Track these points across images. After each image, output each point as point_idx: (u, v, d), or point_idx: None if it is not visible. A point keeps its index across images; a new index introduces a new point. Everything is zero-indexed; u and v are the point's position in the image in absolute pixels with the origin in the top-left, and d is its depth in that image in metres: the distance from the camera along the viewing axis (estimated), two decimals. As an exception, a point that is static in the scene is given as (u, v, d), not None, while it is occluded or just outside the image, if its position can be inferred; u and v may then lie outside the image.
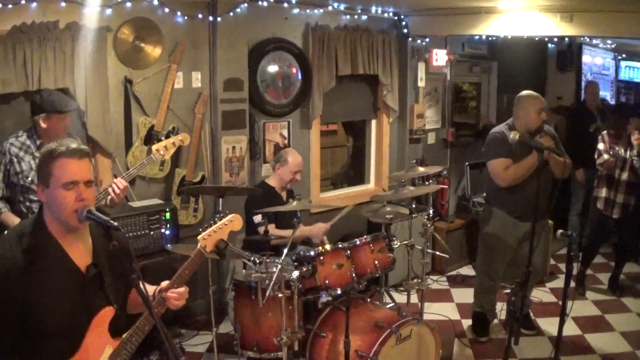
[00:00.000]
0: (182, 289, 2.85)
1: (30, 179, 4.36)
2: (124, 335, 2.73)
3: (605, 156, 6.39)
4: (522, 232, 5.43)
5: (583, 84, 9.97)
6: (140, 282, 2.52)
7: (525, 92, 5.46)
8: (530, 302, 6.15)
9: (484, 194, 7.68)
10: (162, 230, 5.43)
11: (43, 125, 4.35)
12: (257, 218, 5.32)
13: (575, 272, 4.15)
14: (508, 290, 5.99)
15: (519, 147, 5.15)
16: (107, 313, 2.72)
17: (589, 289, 7.10)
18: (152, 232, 5.37)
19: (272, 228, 5.34)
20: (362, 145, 8.24)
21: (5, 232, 3.22)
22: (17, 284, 2.45)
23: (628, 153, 6.31)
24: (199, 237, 2.98)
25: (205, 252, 2.96)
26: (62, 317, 2.56)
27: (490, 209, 5.69)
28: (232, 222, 3.12)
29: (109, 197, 4.30)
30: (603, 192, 6.64)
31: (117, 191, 4.28)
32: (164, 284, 2.86)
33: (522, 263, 5.42)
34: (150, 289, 2.86)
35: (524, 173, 5.27)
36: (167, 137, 5.03)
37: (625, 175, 6.43)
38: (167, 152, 4.62)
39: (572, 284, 3.98)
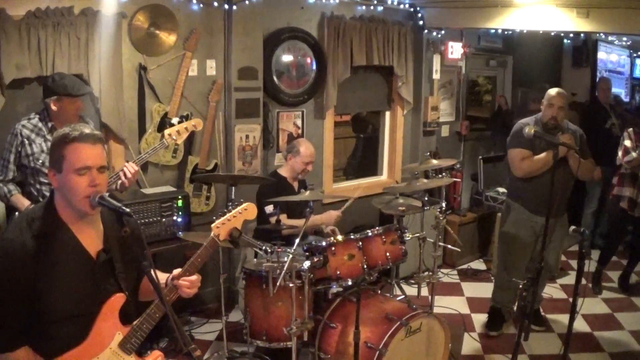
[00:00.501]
0: (194, 277, 2.84)
1: (41, 161, 4.35)
2: (134, 322, 2.73)
3: (634, 154, 6.23)
4: (539, 226, 5.39)
5: (598, 80, 9.93)
6: (152, 269, 2.51)
7: (551, 89, 5.46)
8: (541, 298, 6.12)
9: (497, 189, 7.71)
10: (174, 218, 5.43)
11: (54, 107, 4.34)
12: (269, 208, 5.32)
13: (586, 269, 4.09)
14: (520, 287, 5.97)
15: (542, 142, 5.14)
16: (118, 299, 2.72)
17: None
18: (163, 219, 5.37)
19: (283, 218, 5.34)
20: (372, 138, 8.21)
21: (16, 215, 3.22)
22: (27, 269, 2.45)
23: None
24: (213, 225, 2.96)
25: (219, 241, 2.95)
26: (72, 302, 2.56)
27: (510, 203, 5.69)
28: (247, 210, 3.09)
29: (119, 182, 4.31)
30: (627, 192, 6.51)
31: (129, 175, 4.28)
32: (176, 271, 2.85)
33: (537, 258, 5.42)
34: (162, 276, 2.86)
35: (539, 167, 5.26)
36: (180, 122, 4.98)
37: None
38: (179, 137, 4.60)
39: (584, 281, 3.95)
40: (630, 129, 6.41)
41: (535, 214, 5.40)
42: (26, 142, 4.39)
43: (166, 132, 4.60)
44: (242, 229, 3.08)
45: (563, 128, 5.39)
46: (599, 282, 6.99)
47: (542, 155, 5.23)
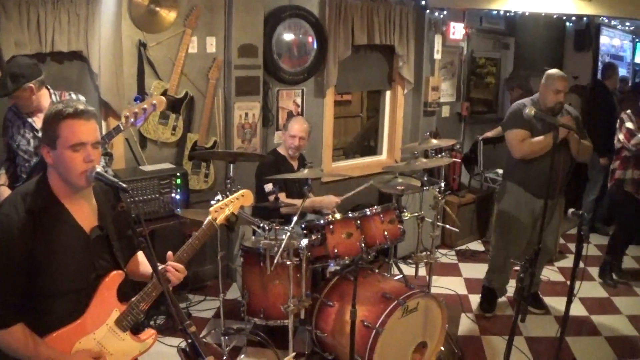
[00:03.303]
0: (181, 267, 2.84)
1: (17, 144, 4.33)
2: (132, 299, 2.73)
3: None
4: (537, 208, 5.39)
5: (600, 64, 9.88)
6: (148, 247, 2.50)
7: (552, 70, 5.36)
8: (540, 281, 6.12)
9: (496, 170, 7.69)
10: (173, 195, 5.42)
11: (11, 102, 4.29)
12: (269, 186, 5.31)
13: (590, 256, 4.09)
14: (517, 268, 5.98)
15: (541, 124, 5.13)
16: (117, 277, 2.72)
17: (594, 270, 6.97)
18: (162, 197, 5.36)
19: (282, 196, 5.34)
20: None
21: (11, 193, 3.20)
22: (22, 243, 2.45)
23: None
24: (211, 209, 2.98)
25: (216, 225, 2.96)
26: (67, 277, 2.56)
27: (506, 184, 5.66)
28: (243, 197, 3.13)
29: None
30: (631, 174, 6.31)
31: None
32: (170, 254, 2.85)
33: (535, 241, 5.43)
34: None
35: (539, 150, 5.24)
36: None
37: None
38: (136, 117, 4.26)
39: (582, 264, 3.95)
40: (629, 110, 6.26)
41: (535, 196, 5.39)
42: (9, 124, 4.37)
43: (123, 112, 4.32)
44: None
45: (561, 111, 5.37)
46: (611, 272, 6.78)
47: (542, 137, 5.20)
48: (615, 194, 6.56)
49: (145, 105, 4.25)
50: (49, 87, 4.36)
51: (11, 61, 4.33)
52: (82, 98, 4.43)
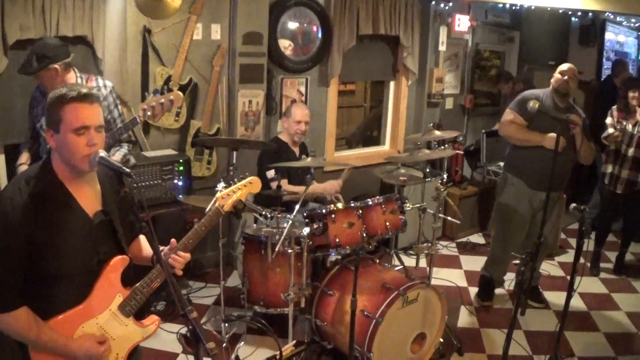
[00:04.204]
0: (187, 255, 2.85)
1: (40, 124, 4.34)
2: (136, 285, 2.73)
3: (610, 130, 6.32)
4: (537, 201, 5.42)
5: (604, 60, 9.86)
6: (150, 233, 2.50)
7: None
8: (540, 275, 6.13)
9: (499, 163, 7.69)
10: (175, 181, 5.43)
11: (36, 82, 4.31)
12: (271, 173, 5.31)
13: (585, 248, 4.09)
14: (517, 261, 5.99)
15: (542, 120, 5.14)
16: (122, 261, 2.72)
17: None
18: (164, 183, 5.37)
19: (284, 184, 5.34)
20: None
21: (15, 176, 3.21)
22: (25, 227, 2.44)
23: (636, 129, 6.20)
24: (217, 195, 2.97)
25: (223, 211, 2.95)
26: (70, 261, 2.56)
27: (507, 176, 5.67)
28: (252, 184, 3.11)
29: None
30: (609, 168, 6.55)
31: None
32: (174, 242, 2.86)
33: (534, 234, 5.43)
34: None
35: (519, 138, 5.40)
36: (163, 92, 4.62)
37: (631, 151, 6.29)
38: (154, 112, 4.13)
39: (582, 260, 3.96)
40: (614, 107, 6.46)
41: (535, 189, 5.40)
42: (34, 102, 4.40)
43: (140, 106, 4.23)
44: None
45: (572, 106, 5.39)
46: (597, 263, 6.97)
47: (531, 135, 5.29)
48: (601, 188, 6.89)
49: (162, 100, 4.14)
50: (75, 70, 4.35)
51: (39, 41, 4.32)
52: (108, 84, 4.45)
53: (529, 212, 5.53)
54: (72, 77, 4.29)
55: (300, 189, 5.08)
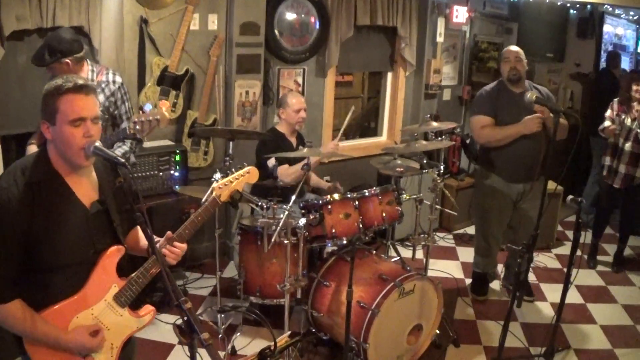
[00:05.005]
0: (178, 249, 2.84)
1: None
2: (131, 275, 2.73)
3: (607, 123, 6.32)
4: (514, 193, 5.43)
5: (602, 52, 9.85)
6: (145, 222, 2.49)
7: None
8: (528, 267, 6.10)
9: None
10: (172, 172, 5.42)
11: (49, 73, 4.30)
12: (271, 162, 5.29)
13: (582, 240, 4.10)
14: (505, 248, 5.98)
15: (510, 110, 5.21)
16: (117, 252, 2.72)
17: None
18: (161, 173, 5.37)
19: (283, 168, 5.31)
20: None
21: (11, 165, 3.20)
22: (21, 217, 2.43)
23: (634, 123, 6.17)
24: (215, 185, 2.96)
25: (220, 202, 2.94)
26: (66, 251, 2.55)
27: (481, 171, 5.68)
28: (249, 174, 3.09)
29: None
30: (607, 160, 6.52)
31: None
32: (170, 234, 2.84)
33: (518, 226, 5.46)
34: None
35: (500, 138, 5.31)
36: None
37: (628, 146, 6.25)
38: (142, 128, 3.96)
39: (579, 252, 3.96)
40: (616, 99, 6.43)
41: (511, 182, 5.40)
42: None
43: (132, 119, 4.07)
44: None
45: (526, 87, 5.36)
46: (595, 255, 6.98)
47: (507, 128, 5.24)
48: (599, 180, 6.89)
49: (150, 118, 3.99)
50: (88, 61, 4.36)
51: (54, 33, 4.30)
52: (118, 79, 4.45)
53: (509, 204, 5.52)
54: (85, 70, 4.31)
55: (298, 167, 5.09)
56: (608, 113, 6.40)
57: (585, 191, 8.29)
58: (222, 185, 2.96)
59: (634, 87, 6.19)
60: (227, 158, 4.65)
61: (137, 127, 3.97)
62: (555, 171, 4.58)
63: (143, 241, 2.98)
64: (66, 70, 4.12)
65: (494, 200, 5.54)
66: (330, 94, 7.20)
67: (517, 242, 4.50)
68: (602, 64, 10.04)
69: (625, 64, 10.76)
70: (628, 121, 6.18)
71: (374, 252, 5.07)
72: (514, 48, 5.42)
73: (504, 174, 5.43)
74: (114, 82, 4.42)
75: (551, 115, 4.88)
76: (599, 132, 6.43)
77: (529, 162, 5.18)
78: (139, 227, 2.98)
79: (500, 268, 6.12)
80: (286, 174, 5.20)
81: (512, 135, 5.21)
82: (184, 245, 2.85)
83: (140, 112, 4.11)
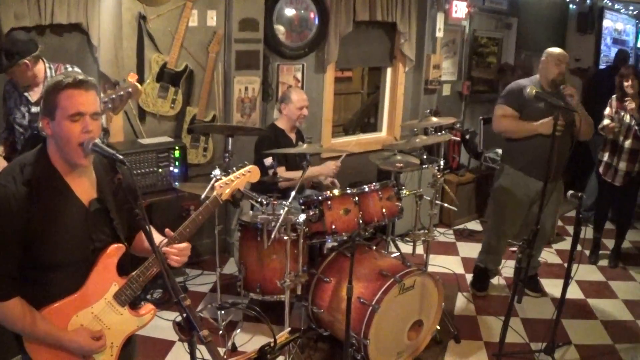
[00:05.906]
0: (183, 245, 2.83)
1: (13, 116, 4.34)
2: (132, 274, 2.72)
3: (606, 121, 6.27)
4: (533, 191, 5.38)
5: (602, 47, 9.83)
6: (145, 221, 2.48)
7: (550, 48, 5.39)
8: (539, 264, 6.08)
9: (496, 150, 7.68)
10: (171, 168, 5.41)
11: (8, 77, 4.31)
12: (268, 160, 5.29)
13: (582, 235, 4.09)
14: (514, 249, 5.97)
15: (535, 108, 5.12)
16: (117, 250, 2.70)
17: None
18: (160, 170, 5.35)
19: (281, 170, 5.31)
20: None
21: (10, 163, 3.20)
22: (19, 215, 2.42)
23: (633, 120, 6.13)
24: (216, 184, 2.96)
25: (221, 200, 2.94)
26: (65, 249, 2.54)
27: (503, 166, 5.65)
28: (251, 173, 3.10)
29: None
30: (605, 157, 6.49)
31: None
32: (169, 232, 2.83)
33: (532, 223, 5.43)
34: (157, 239, 2.82)
35: (514, 131, 5.36)
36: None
37: (627, 143, 6.24)
38: (113, 103, 3.88)
39: (579, 247, 3.96)
40: (613, 97, 6.39)
41: (532, 178, 5.37)
42: (6, 96, 4.42)
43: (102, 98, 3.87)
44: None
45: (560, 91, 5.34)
46: (596, 251, 6.96)
47: (528, 124, 5.25)
48: (597, 175, 6.82)
49: (121, 92, 3.88)
50: (44, 60, 4.33)
51: (7, 37, 4.32)
52: (78, 71, 4.40)
53: (526, 201, 5.49)
54: (42, 68, 4.30)
55: (297, 174, 5.07)
56: (607, 111, 6.36)
57: (588, 191, 8.24)
58: (223, 184, 2.96)
59: (625, 83, 6.17)
60: (227, 154, 4.64)
61: (109, 105, 3.88)
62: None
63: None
64: (25, 71, 4.14)
65: (511, 196, 5.53)
66: (330, 90, 7.19)
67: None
68: (602, 59, 10.04)
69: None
70: (627, 118, 6.16)
71: (374, 247, 5.06)
72: (564, 52, 5.32)
73: (524, 170, 5.41)
74: None
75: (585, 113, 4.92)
76: (599, 131, 6.33)
77: (553, 160, 5.13)
78: None
79: (503, 263, 6.09)
80: (285, 176, 5.20)
81: (528, 132, 5.22)
82: (187, 245, 2.84)
83: (116, 87, 4.08)
